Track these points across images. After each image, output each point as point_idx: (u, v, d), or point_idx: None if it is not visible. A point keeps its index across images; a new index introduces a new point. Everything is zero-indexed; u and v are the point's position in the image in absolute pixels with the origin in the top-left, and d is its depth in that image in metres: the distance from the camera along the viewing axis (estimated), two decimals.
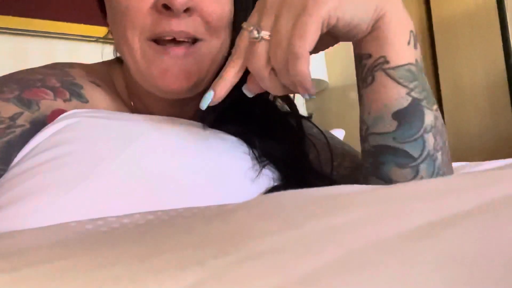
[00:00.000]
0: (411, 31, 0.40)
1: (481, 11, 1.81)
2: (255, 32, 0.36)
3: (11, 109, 0.45)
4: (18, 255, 0.17)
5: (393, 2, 0.39)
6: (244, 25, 0.37)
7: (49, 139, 0.42)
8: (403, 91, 0.39)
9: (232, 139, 0.49)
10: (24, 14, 1.43)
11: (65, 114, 0.46)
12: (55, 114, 0.46)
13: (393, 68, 0.39)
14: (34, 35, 1.45)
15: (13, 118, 0.44)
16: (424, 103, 0.40)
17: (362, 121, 0.43)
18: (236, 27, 0.50)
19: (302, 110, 1.58)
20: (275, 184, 0.46)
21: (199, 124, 0.51)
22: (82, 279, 0.15)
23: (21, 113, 0.45)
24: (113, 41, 0.59)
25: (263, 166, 0.47)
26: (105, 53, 0.63)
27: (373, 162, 0.43)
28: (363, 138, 0.43)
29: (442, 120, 0.43)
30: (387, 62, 0.39)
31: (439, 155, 0.41)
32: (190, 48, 0.47)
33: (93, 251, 0.18)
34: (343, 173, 0.54)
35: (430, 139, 0.40)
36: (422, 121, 0.40)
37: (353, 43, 0.42)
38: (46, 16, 1.45)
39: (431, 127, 0.40)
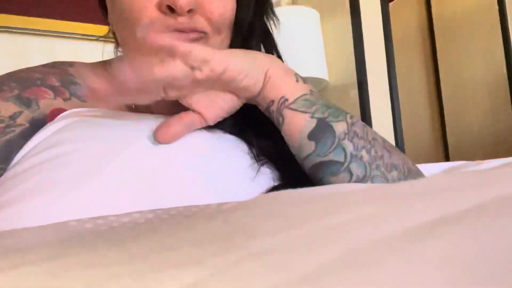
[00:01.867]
0: (296, 74, 0.49)
1: (482, 10, 1.81)
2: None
3: (11, 108, 0.45)
4: (18, 254, 0.17)
5: (274, 61, 0.48)
6: None
7: (49, 138, 0.42)
8: (307, 116, 0.47)
9: (230, 138, 0.49)
10: (25, 13, 1.43)
11: (65, 113, 0.46)
12: (55, 113, 0.46)
13: (293, 102, 0.47)
14: (36, 34, 1.45)
15: (13, 117, 0.44)
16: (329, 119, 0.47)
17: (294, 154, 0.49)
18: (237, 24, 0.52)
19: None
20: (275, 183, 0.47)
21: None
22: (82, 278, 0.15)
23: (21, 112, 0.45)
24: (113, 40, 0.59)
25: (262, 165, 0.47)
26: (106, 52, 0.63)
27: (316, 181, 0.48)
28: (301, 166, 0.49)
29: (361, 123, 0.49)
30: (287, 99, 0.47)
31: (363, 153, 0.47)
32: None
33: (93, 249, 0.18)
34: None
35: (347, 144, 0.46)
36: (333, 133, 0.46)
37: (258, 103, 0.49)
38: (48, 15, 1.46)
39: (345, 134, 0.47)
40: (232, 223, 0.20)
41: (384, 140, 0.50)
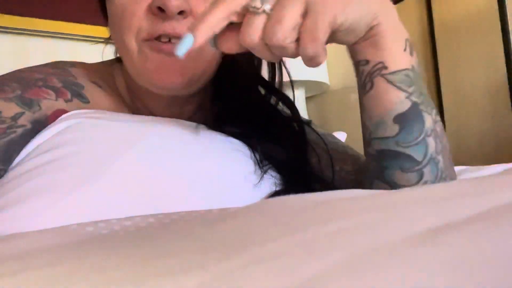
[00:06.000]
0: (407, 39, 0.40)
1: (482, 14, 1.81)
2: (258, 2, 0.34)
3: (13, 108, 0.44)
4: (19, 259, 0.17)
5: (389, 12, 0.39)
6: None
7: (51, 140, 0.42)
8: (403, 95, 0.39)
9: (234, 142, 0.49)
10: (26, 14, 1.43)
11: (67, 114, 0.46)
12: (57, 114, 0.46)
13: (392, 73, 0.39)
14: (36, 35, 1.46)
15: (14, 117, 0.44)
16: (422, 106, 0.40)
17: (364, 126, 0.43)
18: None
19: (303, 113, 1.58)
20: (277, 188, 0.46)
21: (202, 125, 0.51)
22: (84, 283, 0.15)
23: (22, 113, 0.45)
24: (114, 42, 0.59)
25: (265, 171, 0.47)
26: (106, 52, 0.64)
27: (376, 166, 0.43)
28: (366, 143, 0.44)
29: (442, 125, 0.43)
30: (385, 67, 0.39)
31: (440, 158, 0.41)
32: None
33: (94, 254, 0.18)
34: (345, 177, 0.54)
35: (431, 142, 0.40)
36: (423, 124, 0.40)
37: (348, 49, 0.41)
38: (48, 15, 1.46)
39: (431, 131, 0.40)
40: (234, 229, 0.20)
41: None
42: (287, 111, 0.58)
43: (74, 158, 0.40)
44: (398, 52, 0.39)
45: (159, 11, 0.45)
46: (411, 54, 0.40)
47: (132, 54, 0.48)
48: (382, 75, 0.39)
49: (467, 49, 1.89)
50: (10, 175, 0.40)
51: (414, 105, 0.40)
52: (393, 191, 0.25)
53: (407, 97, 0.40)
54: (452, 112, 1.97)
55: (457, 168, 0.97)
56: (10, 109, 0.44)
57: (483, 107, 1.83)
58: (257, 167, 0.47)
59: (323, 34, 0.33)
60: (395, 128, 0.40)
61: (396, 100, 0.39)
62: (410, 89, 0.40)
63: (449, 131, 2.11)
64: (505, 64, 1.67)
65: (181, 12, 0.45)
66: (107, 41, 0.62)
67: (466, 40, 1.88)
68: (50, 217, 0.35)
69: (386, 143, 0.41)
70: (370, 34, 0.38)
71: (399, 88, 0.39)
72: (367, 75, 0.40)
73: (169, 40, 0.47)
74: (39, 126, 0.45)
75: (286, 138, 0.53)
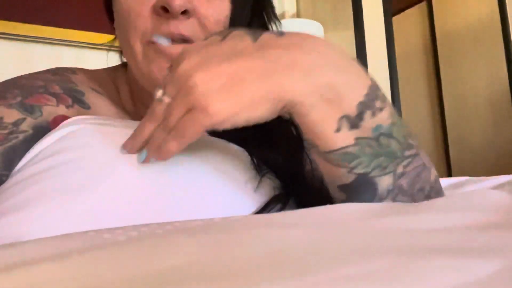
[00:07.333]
0: (343, 117, 0.34)
1: (484, 25, 1.82)
2: (159, 93, 0.36)
3: (14, 115, 0.45)
4: (20, 268, 0.17)
5: (310, 90, 0.34)
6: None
7: (52, 145, 0.42)
8: (343, 170, 0.36)
9: (233, 147, 0.49)
10: (30, 21, 1.44)
11: (68, 120, 0.46)
12: (58, 120, 0.46)
13: (326, 152, 0.36)
14: (40, 42, 1.46)
15: (16, 123, 0.44)
16: (374, 173, 0.36)
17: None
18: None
19: None
20: (277, 193, 0.46)
21: None
22: None
23: (24, 119, 0.45)
24: (118, 48, 0.59)
25: (263, 175, 0.47)
26: (110, 59, 0.64)
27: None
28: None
29: (415, 168, 0.39)
30: (318, 146, 0.36)
31: None
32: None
33: (97, 266, 0.18)
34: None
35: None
36: (373, 192, 0.37)
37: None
38: (53, 23, 1.47)
39: (389, 192, 0.37)
40: (243, 260, 0.19)
41: (435, 181, 0.41)
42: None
43: (75, 164, 0.39)
44: (327, 135, 0.35)
45: (163, 11, 0.46)
46: (352, 128, 0.35)
47: (137, 56, 0.49)
48: (317, 153, 0.37)
49: (469, 58, 1.90)
50: (12, 180, 0.40)
51: (360, 176, 0.36)
52: (413, 230, 0.23)
53: (349, 171, 0.36)
54: (454, 122, 1.97)
55: (458, 179, 0.97)
56: (12, 115, 0.44)
57: (485, 117, 1.82)
58: (256, 172, 0.47)
59: (190, 136, 0.34)
60: (342, 196, 0.38)
61: (336, 173, 0.37)
62: (353, 164, 0.36)
63: (451, 141, 2.11)
64: (507, 74, 1.67)
65: (184, 12, 0.46)
66: (110, 47, 0.62)
67: (468, 50, 1.88)
68: (52, 223, 0.35)
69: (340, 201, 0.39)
70: (292, 107, 0.34)
71: (337, 165, 0.36)
72: (306, 149, 0.38)
73: (172, 41, 0.47)
74: (40, 131, 0.45)
75: (283, 142, 0.53)
